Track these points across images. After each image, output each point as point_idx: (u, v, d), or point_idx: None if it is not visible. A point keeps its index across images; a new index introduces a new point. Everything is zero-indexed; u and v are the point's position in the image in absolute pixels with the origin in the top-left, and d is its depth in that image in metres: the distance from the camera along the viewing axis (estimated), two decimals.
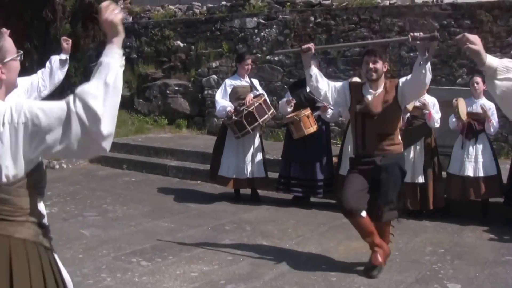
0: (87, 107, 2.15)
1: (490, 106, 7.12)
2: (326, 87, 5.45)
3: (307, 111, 7.41)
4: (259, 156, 7.93)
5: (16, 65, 2.42)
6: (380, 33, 10.75)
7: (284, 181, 7.81)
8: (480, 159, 7.05)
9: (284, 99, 7.80)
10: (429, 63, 4.91)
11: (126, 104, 13.08)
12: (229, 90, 7.86)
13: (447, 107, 7.40)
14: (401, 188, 5.37)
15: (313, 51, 5.34)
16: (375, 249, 5.27)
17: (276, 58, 11.86)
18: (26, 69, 5.28)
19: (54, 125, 2.17)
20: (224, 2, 14.12)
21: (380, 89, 5.27)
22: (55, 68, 5.24)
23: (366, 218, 5.21)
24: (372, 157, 5.20)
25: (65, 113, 2.17)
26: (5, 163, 2.19)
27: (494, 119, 7.07)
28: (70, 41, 5.46)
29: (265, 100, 7.77)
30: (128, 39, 13.66)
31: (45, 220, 2.47)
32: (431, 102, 7.19)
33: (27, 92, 5.07)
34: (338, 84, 5.56)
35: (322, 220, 7.09)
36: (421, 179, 7.18)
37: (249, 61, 8.06)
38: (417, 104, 7.06)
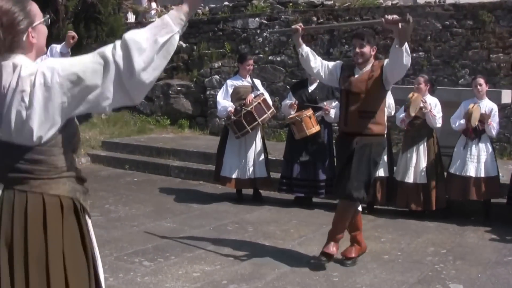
0: (128, 58, 2.13)
1: (493, 107, 7.12)
2: (318, 65, 5.61)
3: (309, 112, 7.41)
4: (261, 157, 7.93)
5: (44, 29, 2.40)
6: (382, 33, 10.75)
7: (286, 181, 7.81)
8: (482, 159, 7.05)
9: (287, 101, 7.81)
10: (406, 45, 4.94)
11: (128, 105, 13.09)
12: (230, 90, 7.88)
13: (450, 108, 7.40)
14: (371, 175, 5.35)
15: (300, 31, 5.53)
16: (353, 245, 5.58)
17: (278, 59, 11.86)
18: None
19: (91, 80, 2.16)
20: (226, 3, 14.12)
21: (366, 69, 5.36)
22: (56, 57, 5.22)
23: (359, 213, 5.53)
24: (352, 135, 5.32)
25: (101, 65, 2.15)
26: (35, 125, 2.17)
27: (495, 121, 7.06)
28: (77, 38, 5.42)
29: (264, 100, 7.77)
30: None
31: (82, 174, 2.47)
32: (433, 103, 7.20)
33: None
34: (332, 63, 5.71)
35: (324, 220, 7.08)
36: (423, 180, 7.18)
37: (251, 62, 8.08)
38: (422, 103, 7.07)
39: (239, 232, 6.62)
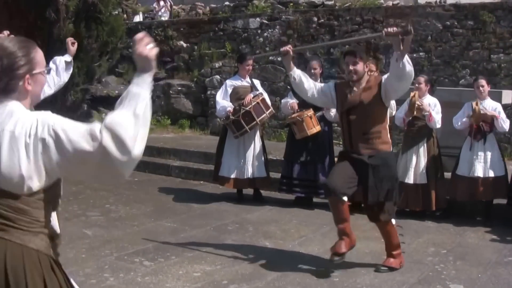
0: (116, 138, 2.12)
1: (496, 106, 7.12)
2: (312, 87, 5.51)
3: (310, 112, 7.41)
4: (260, 156, 7.93)
5: (43, 79, 2.43)
6: None
7: (286, 181, 7.82)
8: (489, 160, 7.04)
9: (287, 99, 7.81)
10: (406, 56, 4.87)
11: None
12: (229, 90, 7.88)
13: (450, 108, 7.40)
14: (395, 187, 5.31)
15: (291, 53, 5.42)
16: (343, 237, 5.28)
17: (279, 59, 11.85)
18: None
19: (73, 149, 2.16)
20: (227, 3, 14.13)
21: (362, 85, 5.26)
22: (61, 69, 5.23)
23: (346, 205, 5.25)
24: (360, 155, 5.22)
25: (89, 141, 2.15)
26: (29, 174, 2.19)
27: (503, 117, 7.04)
28: (76, 43, 5.44)
29: (263, 99, 7.77)
30: (131, 39, 13.68)
31: (57, 229, 2.48)
32: (433, 103, 7.20)
33: None
34: (323, 85, 5.64)
35: (324, 220, 7.08)
36: (423, 180, 7.18)
37: (250, 62, 8.07)
38: (417, 104, 7.07)
39: (240, 232, 6.62)
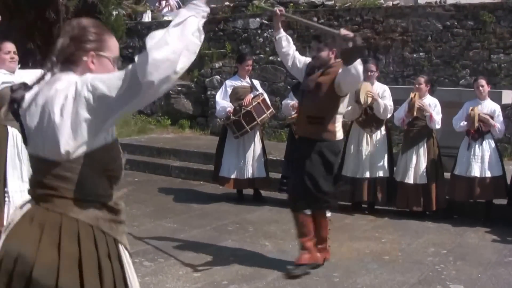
0: (143, 52, 2.04)
1: (495, 108, 7.12)
2: (290, 53, 5.54)
3: None
4: (260, 157, 7.93)
5: (110, 66, 2.33)
6: (384, 34, 10.75)
7: (286, 181, 7.80)
8: (487, 160, 7.04)
9: (288, 101, 7.80)
10: (356, 63, 4.82)
11: None
12: (229, 90, 7.88)
13: (450, 108, 7.40)
14: (327, 178, 5.23)
15: (278, 14, 5.38)
16: (304, 251, 5.31)
17: (279, 59, 11.82)
18: (29, 69, 5.29)
19: (115, 91, 2.07)
20: (227, 3, 14.12)
21: (322, 70, 5.25)
22: None
23: (307, 218, 5.29)
24: (301, 140, 5.36)
25: (124, 72, 2.08)
26: (64, 137, 2.11)
27: (499, 121, 7.06)
28: None
29: (263, 100, 7.78)
30: (131, 39, 13.69)
31: (116, 205, 2.34)
32: (433, 103, 7.20)
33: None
34: (302, 58, 5.62)
35: None
36: (423, 180, 7.18)
37: (250, 62, 8.08)
38: (418, 105, 7.09)
39: (240, 232, 6.62)
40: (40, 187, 2.23)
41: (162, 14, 16.14)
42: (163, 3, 16.25)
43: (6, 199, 4.93)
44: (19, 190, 4.94)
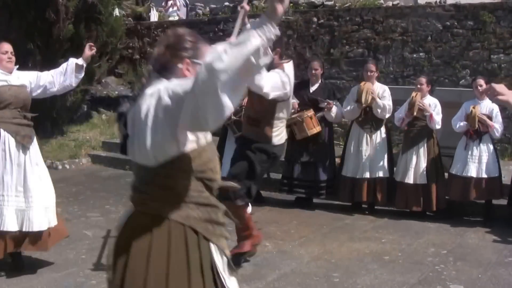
0: (205, 64, 2.00)
1: (494, 108, 7.12)
2: None
3: (310, 112, 7.41)
4: None
5: None
6: (384, 34, 10.75)
7: (287, 182, 7.81)
8: (484, 160, 7.05)
9: None
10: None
11: None
12: None
13: (450, 108, 7.40)
14: (248, 176, 5.18)
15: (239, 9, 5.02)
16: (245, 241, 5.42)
17: None
18: (29, 70, 5.29)
19: (180, 101, 2.09)
20: (227, 3, 14.12)
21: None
22: (69, 70, 5.18)
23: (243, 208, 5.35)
24: (241, 138, 5.52)
25: (189, 83, 2.08)
26: (149, 143, 2.18)
27: (498, 121, 7.06)
28: (95, 50, 5.36)
29: None
30: (130, 39, 13.68)
31: (209, 203, 2.42)
32: (433, 103, 7.20)
33: (30, 84, 5.08)
34: None
35: (324, 221, 7.08)
36: (423, 180, 7.18)
37: None
38: (419, 105, 7.09)
39: None
40: (137, 191, 2.38)
41: (168, 14, 16.12)
42: (170, 2, 16.23)
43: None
44: (12, 194, 4.93)
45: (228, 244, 2.55)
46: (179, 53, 2.35)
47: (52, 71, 5.19)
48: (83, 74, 5.33)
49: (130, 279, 2.29)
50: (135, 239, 2.30)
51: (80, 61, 5.25)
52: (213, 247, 2.39)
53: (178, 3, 16.12)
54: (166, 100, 2.13)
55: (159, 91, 2.17)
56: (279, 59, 5.08)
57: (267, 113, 5.13)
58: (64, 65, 5.21)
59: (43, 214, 5.01)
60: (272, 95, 4.91)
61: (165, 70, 2.34)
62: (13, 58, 5.00)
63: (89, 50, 5.28)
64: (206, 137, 2.38)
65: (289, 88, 5.07)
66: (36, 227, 4.96)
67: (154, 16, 16.02)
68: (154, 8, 16.41)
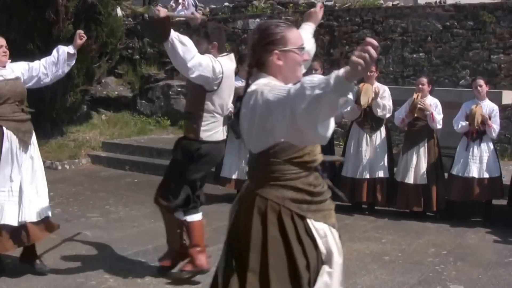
0: (301, 91, 2.20)
1: (494, 108, 7.12)
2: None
3: None
4: None
5: (295, 57, 2.59)
6: (383, 34, 10.75)
7: None
8: (485, 160, 7.04)
9: None
10: (173, 41, 4.42)
11: (128, 105, 13.09)
12: None
13: (450, 109, 7.40)
14: (183, 181, 4.98)
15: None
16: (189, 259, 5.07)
17: None
18: (18, 62, 5.25)
19: (273, 108, 2.34)
20: (227, 3, 14.12)
21: None
22: (62, 60, 5.16)
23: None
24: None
25: (284, 96, 2.29)
26: (246, 135, 2.61)
27: (496, 122, 7.05)
28: (85, 38, 5.31)
29: None
30: (130, 40, 13.68)
31: (309, 186, 2.67)
32: (434, 103, 7.20)
33: (23, 75, 5.07)
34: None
35: None
36: (423, 181, 7.18)
37: None
38: (419, 105, 7.09)
39: None
40: (249, 175, 2.75)
41: (177, 13, 16.07)
42: (179, 1, 16.15)
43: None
44: (6, 190, 4.92)
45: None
46: (267, 47, 2.56)
47: (43, 61, 5.14)
48: (73, 62, 5.31)
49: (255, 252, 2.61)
50: (241, 213, 2.74)
51: (71, 49, 5.22)
52: (309, 222, 2.62)
53: (186, 3, 16.05)
54: (262, 105, 2.42)
55: (256, 94, 2.46)
56: (216, 53, 4.77)
57: (196, 102, 4.83)
58: (55, 55, 5.17)
59: (38, 206, 5.04)
60: (195, 73, 4.55)
61: (260, 66, 2.60)
62: (7, 52, 4.98)
63: (79, 38, 5.25)
64: None
65: (218, 77, 4.67)
66: (34, 218, 4.97)
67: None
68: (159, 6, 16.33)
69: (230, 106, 7.68)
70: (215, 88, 4.72)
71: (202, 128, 4.82)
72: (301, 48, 2.60)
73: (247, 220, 2.64)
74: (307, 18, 3.74)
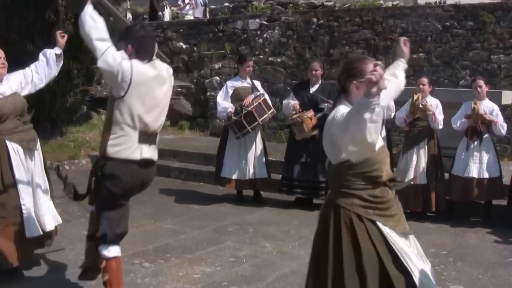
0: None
1: (494, 108, 7.12)
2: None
3: (310, 113, 7.42)
4: (261, 157, 7.93)
5: (362, 88, 3.07)
6: (383, 34, 10.75)
7: (286, 182, 7.81)
8: (485, 161, 7.05)
9: (289, 100, 7.81)
10: (85, 13, 4.15)
11: None
12: (230, 91, 7.89)
13: (450, 109, 7.40)
14: (105, 212, 4.27)
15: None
16: None
17: (278, 60, 11.85)
18: (14, 72, 5.25)
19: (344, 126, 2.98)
20: (226, 4, 14.15)
21: None
22: (52, 62, 5.19)
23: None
24: None
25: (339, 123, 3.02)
26: (328, 150, 3.26)
27: (501, 120, 7.05)
28: (66, 36, 5.34)
29: (264, 100, 7.78)
30: None
31: (374, 197, 3.19)
32: (434, 104, 7.19)
33: (20, 84, 5.07)
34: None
35: None
36: (423, 181, 7.18)
37: (251, 63, 8.09)
38: (421, 106, 7.08)
39: (240, 233, 6.61)
40: (329, 184, 3.40)
41: (184, 12, 16.05)
42: (186, 0, 16.15)
43: (24, 211, 4.94)
44: (32, 203, 5.01)
45: None
46: (349, 78, 3.16)
47: (33, 66, 5.15)
48: (62, 62, 5.34)
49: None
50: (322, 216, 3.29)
51: (57, 50, 5.25)
52: (380, 225, 3.17)
53: (194, 2, 16.02)
54: (337, 125, 3.04)
55: (334, 116, 3.10)
56: (136, 55, 4.14)
57: (108, 111, 4.23)
58: (43, 58, 5.20)
59: (49, 214, 5.19)
60: (102, 62, 4.07)
61: (345, 91, 3.20)
62: (6, 64, 4.97)
63: (61, 38, 5.27)
64: (380, 141, 3.12)
65: (125, 80, 4.02)
66: (48, 228, 5.13)
67: (167, 15, 15.97)
68: (168, 6, 16.34)
69: (232, 107, 7.71)
70: (122, 94, 4.03)
71: (109, 142, 4.10)
72: (367, 80, 3.01)
73: (326, 225, 3.20)
74: (398, 54, 4.02)
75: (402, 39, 4.02)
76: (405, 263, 3.16)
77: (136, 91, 4.03)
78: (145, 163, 4.30)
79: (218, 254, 5.80)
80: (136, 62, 4.06)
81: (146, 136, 4.24)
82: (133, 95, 4.03)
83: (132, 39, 4.20)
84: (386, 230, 3.18)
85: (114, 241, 4.22)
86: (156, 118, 4.22)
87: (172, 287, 4.94)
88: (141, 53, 4.13)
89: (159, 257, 5.65)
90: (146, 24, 4.50)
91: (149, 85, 4.09)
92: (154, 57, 4.21)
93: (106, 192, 4.20)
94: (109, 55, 4.04)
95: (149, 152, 4.34)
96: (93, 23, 4.12)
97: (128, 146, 4.12)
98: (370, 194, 3.15)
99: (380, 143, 3.14)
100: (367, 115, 2.76)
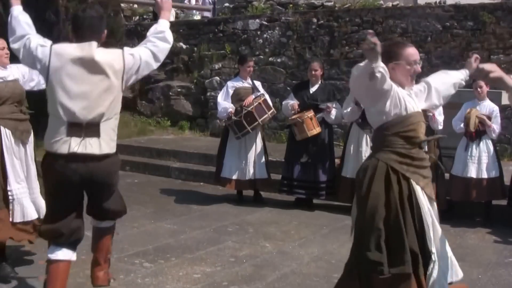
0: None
1: (494, 109, 7.12)
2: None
3: (310, 113, 7.42)
4: (261, 158, 7.93)
5: (404, 68, 3.60)
6: (383, 34, 10.74)
7: (286, 182, 7.81)
8: (484, 161, 7.05)
9: (288, 101, 7.81)
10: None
11: (128, 106, 13.08)
12: (231, 92, 7.90)
13: (451, 109, 7.39)
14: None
15: None
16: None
17: (278, 60, 11.86)
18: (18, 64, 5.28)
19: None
20: (227, 4, 14.13)
21: None
22: None
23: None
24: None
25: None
26: (370, 113, 3.70)
27: (497, 122, 7.06)
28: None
29: (264, 100, 7.78)
30: (131, 40, 13.67)
31: (410, 153, 3.56)
32: None
33: (22, 76, 5.13)
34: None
35: (324, 222, 7.08)
36: None
37: (251, 63, 8.10)
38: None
39: (240, 233, 6.61)
40: (371, 147, 3.83)
41: (191, 13, 16.01)
42: (192, 0, 16.10)
43: (10, 197, 4.96)
44: (21, 188, 5.00)
45: None
46: (386, 60, 3.44)
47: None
48: None
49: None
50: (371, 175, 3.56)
51: None
52: (412, 182, 3.50)
53: (200, 1, 15.95)
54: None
55: None
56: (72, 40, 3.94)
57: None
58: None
59: (35, 205, 5.18)
60: (22, 61, 3.97)
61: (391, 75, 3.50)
62: (9, 54, 5.05)
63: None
64: (414, 108, 3.59)
65: (42, 62, 3.81)
66: (30, 216, 5.11)
67: (172, 15, 15.91)
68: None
69: (232, 107, 7.72)
70: (44, 82, 3.88)
71: (46, 134, 3.88)
72: (412, 62, 3.60)
73: (364, 177, 3.54)
74: (466, 66, 4.18)
75: (474, 56, 4.10)
76: (425, 224, 3.48)
77: (56, 77, 3.75)
78: (78, 157, 3.79)
79: (218, 254, 5.80)
80: (58, 46, 3.81)
81: (79, 128, 3.77)
82: (53, 81, 3.76)
83: (71, 19, 3.99)
84: (418, 190, 3.50)
85: (55, 241, 4.17)
86: (88, 107, 3.76)
87: (172, 287, 4.94)
88: (74, 32, 3.91)
89: (159, 257, 5.65)
90: (95, 6, 4.22)
91: (69, 67, 3.75)
92: (95, 42, 3.88)
93: (45, 187, 4.02)
94: (24, 40, 3.86)
95: (83, 146, 3.79)
96: (10, 27, 3.93)
97: (56, 140, 3.79)
98: (407, 151, 3.52)
99: (414, 107, 3.58)
100: (369, 70, 3.30)
